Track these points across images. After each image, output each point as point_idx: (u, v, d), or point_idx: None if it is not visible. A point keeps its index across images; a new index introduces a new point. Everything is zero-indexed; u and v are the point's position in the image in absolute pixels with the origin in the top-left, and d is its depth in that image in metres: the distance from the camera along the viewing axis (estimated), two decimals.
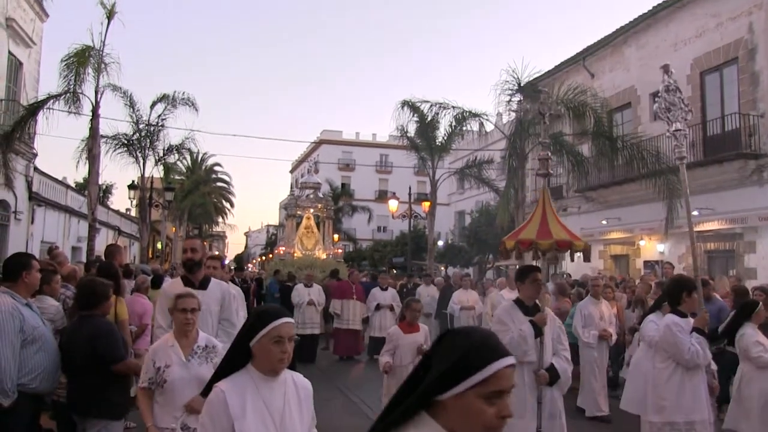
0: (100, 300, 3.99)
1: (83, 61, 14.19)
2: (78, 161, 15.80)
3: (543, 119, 5.24)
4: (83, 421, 3.81)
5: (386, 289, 12.21)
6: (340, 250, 22.23)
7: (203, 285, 4.43)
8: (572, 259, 4.85)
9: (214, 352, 3.55)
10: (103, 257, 7.67)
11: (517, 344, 4.23)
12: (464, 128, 18.37)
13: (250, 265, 54.68)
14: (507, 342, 4.19)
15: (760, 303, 5.57)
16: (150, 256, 26.13)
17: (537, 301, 4.51)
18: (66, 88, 14.12)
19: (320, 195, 21.26)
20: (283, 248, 19.81)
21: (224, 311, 4.51)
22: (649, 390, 4.75)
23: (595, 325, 7.47)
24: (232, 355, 2.29)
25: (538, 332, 4.31)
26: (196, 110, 18.88)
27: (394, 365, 5.65)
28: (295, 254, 18.71)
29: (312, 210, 19.96)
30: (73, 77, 14.19)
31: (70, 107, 14.27)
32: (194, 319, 3.50)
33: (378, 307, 11.86)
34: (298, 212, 19.99)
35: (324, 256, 18.97)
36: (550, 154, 5.05)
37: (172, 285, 4.51)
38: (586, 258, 4.78)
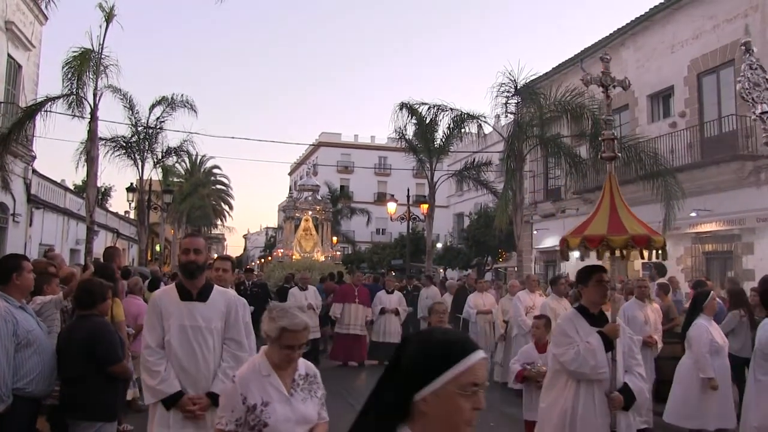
0: (97, 300, 4.00)
1: (84, 64, 14.23)
2: (77, 164, 15.82)
3: (606, 92, 4.34)
4: (76, 423, 3.80)
5: (392, 292, 11.75)
6: (338, 253, 22.25)
7: (203, 295, 3.57)
8: (649, 258, 4.11)
9: (316, 382, 2.83)
10: (101, 259, 7.66)
11: (584, 360, 3.59)
12: (462, 130, 18.39)
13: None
14: (572, 357, 3.63)
15: None
16: (149, 258, 26.13)
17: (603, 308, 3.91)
18: (69, 91, 14.16)
19: (318, 197, 21.29)
20: (282, 250, 19.83)
21: (230, 329, 3.59)
22: (750, 407, 4.09)
23: (639, 330, 6.79)
24: (381, 415, 1.39)
25: (609, 345, 3.64)
26: (195, 112, 18.92)
27: None
28: (294, 256, 18.71)
29: (310, 212, 20.00)
30: (76, 80, 14.23)
31: (73, 110, 14.33)
32: (300, 355, 2.75)
33: (383, 311, 11.40)
34: (297, 214, 20.02)
35: (322, 259, 18.99)
36: (614, 133, 4.33)
37: (166, 294, 3.63)
38: (665, 256, 4.04)
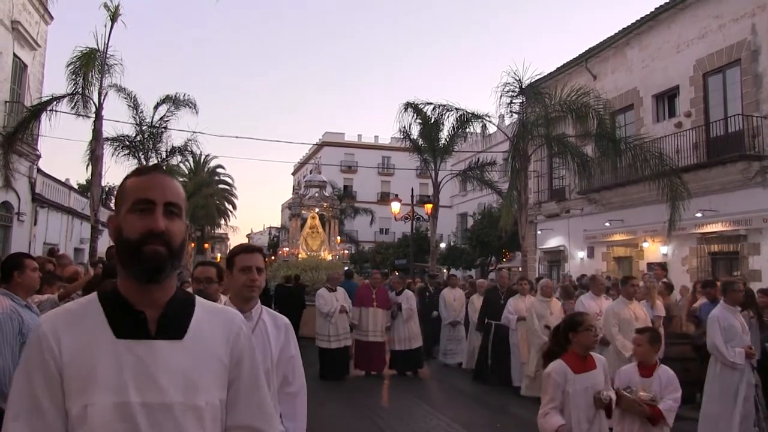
0: None
1: (90, 63, 14.27)
2: (87, 164, 15.79)
3: None
4: None
5: (400, 293, 10.90)
6: (346, 251, 21.98)
7: (174, 323, 1.36)
8: None
9: None
10: (105, 259, 7.66)
11: None
12: (467, 130, 18.35)
13: None
14: None
15: None
16: None
17: None
18: (75, 90, 14.21)
19: (326, 194, 20.94)
20: (287, 249, 19.53)
21: (240, 399, 1.38)
22: None
23: (739, 340, 5.85)
24: None
25: None
26: (196, 112, 18.85)
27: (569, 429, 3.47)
28: (300, 255, 18.42)
29: (317, 209, 19.59)
30: (82, 80, 14.27)
31: (78, 110, 14.37)
32: None
33: (393, 315, 10.54)
34: (303, 211, 19.66)
35: (329, 257, 18.58)
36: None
37: (74, 320, 1.32)
38: None
